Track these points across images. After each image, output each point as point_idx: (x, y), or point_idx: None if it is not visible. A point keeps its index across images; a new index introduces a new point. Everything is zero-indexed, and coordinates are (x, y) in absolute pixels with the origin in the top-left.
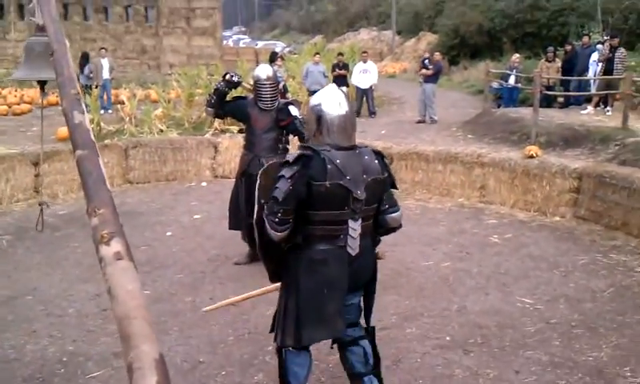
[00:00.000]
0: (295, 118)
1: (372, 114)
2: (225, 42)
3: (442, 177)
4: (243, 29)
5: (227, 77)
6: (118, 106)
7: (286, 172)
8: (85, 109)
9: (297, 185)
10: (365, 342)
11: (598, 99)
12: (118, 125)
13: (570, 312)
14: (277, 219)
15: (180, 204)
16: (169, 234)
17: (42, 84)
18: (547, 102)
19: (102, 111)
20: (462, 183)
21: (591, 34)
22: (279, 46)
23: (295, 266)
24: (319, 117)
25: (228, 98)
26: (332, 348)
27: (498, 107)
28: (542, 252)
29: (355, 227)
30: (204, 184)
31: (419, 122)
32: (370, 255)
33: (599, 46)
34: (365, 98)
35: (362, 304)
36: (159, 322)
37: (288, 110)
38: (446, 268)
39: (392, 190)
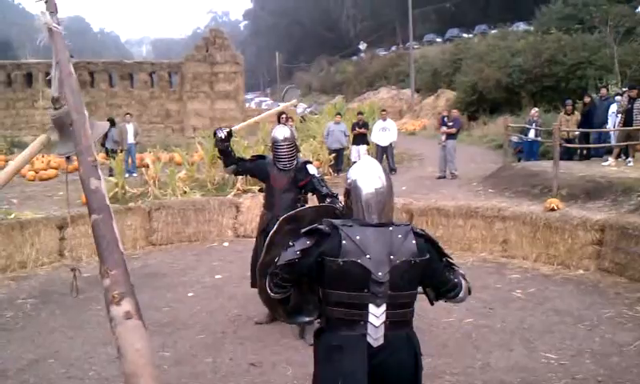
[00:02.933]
0: (313, 176)
1: (392, 170)
2: (247, 104)
3: (462, 232)
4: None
5: (216, 135)
6: (143, 169)
7: (298, 244)
8: (101, 175)
9: (303, 259)
10: None
11: (618, 150)
12: (142, 188)
13: (596, 367)
14: (274, 281)
15: (202, 264)
16: (190, 294)
17: None
18: (568, 154)
19: (127, 175)
20: (483, 238)
21: (609, 85)
22: (300, 107)
23: (317, 352)
24: (348, 190)
25: (249, 156)
26: None
27: (519, 161)
28: (566, 306)
29: (377, 314)
30: (226, 244)
31: (440, 177)
32: (403, 351)
33: (618, 98)
34: (385, 156)
35: None
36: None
37: (306, 169)
38: (469, 324)
39: (446, 264)
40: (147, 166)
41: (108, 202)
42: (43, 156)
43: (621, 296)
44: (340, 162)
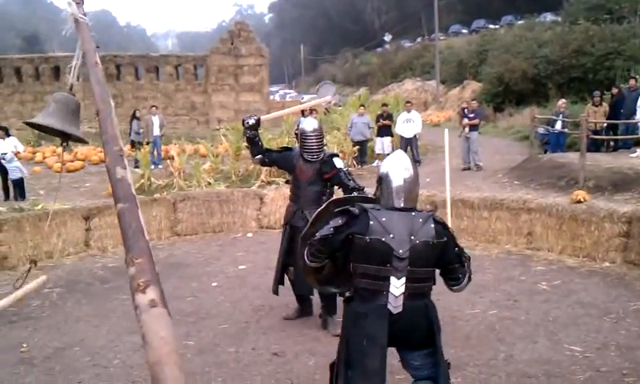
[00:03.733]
0: (340, 170)
1: (417, 162)
2: (272, 96)
3: (487, 224)
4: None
5: (244, 123)
6: (168, 161)
7: (334, 221)
8: (127, 164)
9: (335, 236)
10: None
11: None
12: (167, 179)
13: (622, 360)
14: (311, 251)
15: (226, 255)
16: (214, 284)
17: (64, 139)
18: (595, 146)
19: (153, 166)
20: (508, 230)
21: (638, 77)
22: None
23: (346, 319)
24: (380, 178)
25: (276, 147)
26: None
27: (545, 153)
28: (591, 298)
29: (397, 285)
30: (250, 235)
31: (464, 169)
32: (420, 317)
33: None
34: (409, 147)
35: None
36: (203, 372)
37: (333, 162)
38: (493, 316)
39: (458, 256)
40: (172, 158)
41: (134, 191)
42: (71, 148)
43: None
44: (364, 153)
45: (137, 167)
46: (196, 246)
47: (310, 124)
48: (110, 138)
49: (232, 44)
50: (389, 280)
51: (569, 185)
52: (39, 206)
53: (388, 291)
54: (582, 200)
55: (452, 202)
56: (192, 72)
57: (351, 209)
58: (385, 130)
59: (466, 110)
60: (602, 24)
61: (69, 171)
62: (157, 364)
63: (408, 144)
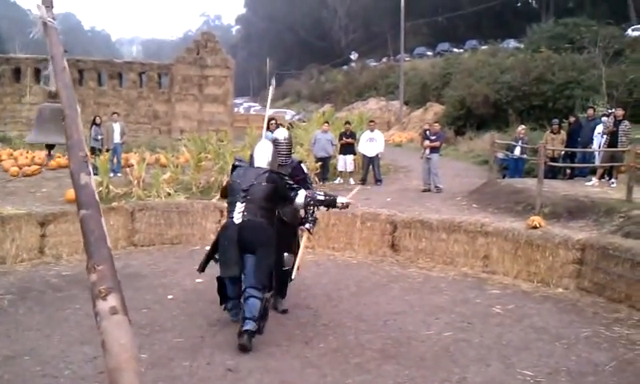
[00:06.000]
0: (307, 175)
1: (378, 181)
2: (236, 109)
3: (445, 245)
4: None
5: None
6: (128, 169)
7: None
8: (91, 171)
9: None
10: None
11: (602, 171)
12: (126, 188)
13: None
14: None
15: (183, 267)
16: (170, 297)
17: (50, 147)
18: (552, 173)
19: (112, 174)
20: (465, 252)
21: (596, 106)
22: (289, 114)
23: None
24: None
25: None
26: None
27: (504, 178)
28: (544, 323)
29: (239, 207)
30: (208, 248)
31: (424, 190)
32: (255, 227)
33: (604, 119)
34: (371, 166)
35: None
36: None
37: (301, 167)
38: (448, 338)
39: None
40: (132, 167)
41: (97, 197)
42: (28, 152)
43: (599, 316)
44: (326, 170)
45: (95, 174)
46: (153, 258)
47: (281, 133)
48: (75, 142)
49: (198, 54)
50: (235, 204)
51: (526, 210)
52: None
53: (234, 210)
54: (538, 226)
55: (411, 223)
56: (156, 80)
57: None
58: (348, 148)
59: (427, 132)
60: (563, 53)
61: (25, 176)
62: (116, 370)
63: (370, 163)
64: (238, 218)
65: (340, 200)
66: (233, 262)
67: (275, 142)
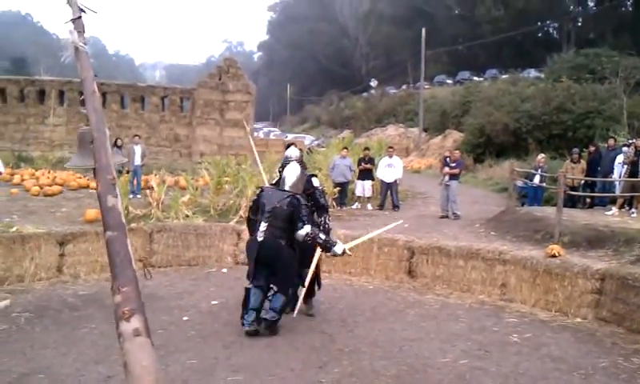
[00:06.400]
0: (316, 188)
1: (396, 207)
2: (255, 133)
3: (463, 272)
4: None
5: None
6: (147, 191)
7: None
8: (118, 193)
9: (254, 203)
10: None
11: (622, 201)
12: (145, 209)
13: None
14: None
15: (199, 289)
16: (185, 318)
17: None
18: (572, 202)
19: (131, 196)
20: (482, 280)
21: (617, 136)
22: (308, 139)
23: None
24: (280, 171)
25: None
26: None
27: (522, 205)
28: (562, 353)
29: (263, 226)
30: (224, 270)
31: (442, 217)
32: (274, 246)
33: (625, 149)
34: (389, 192)
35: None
36: None
37: (312, 181)
38: (464, 365)
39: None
40: (152, 188)
41: (124, 220)
42: (49, 172)
43: (617, 346)
44: (344, 195)
45: None
46: (170, 279)
47: (292, 152)
48: (104, 166)
49: (220, 79)
50: (260, 223)
51: (544, 239)
52: (13, 229)
53: (258, 229)
54: (557, 254)
55: (429, 249)
56: (178, 104)
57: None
58: (366, 174)
59: (448, 159)
60: (583, 83)
61: (46, 195)
62: None
63: (388, 188)
64: (260, 236)
65: (338, 249)
66: (254, 273)
67: (286, 159)
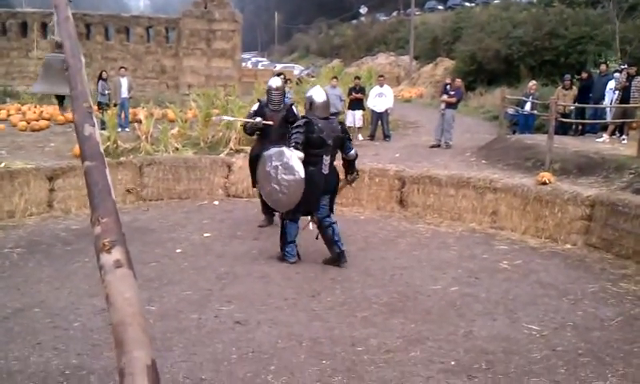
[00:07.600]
0: (297, 116)
1: (387, 137)
2: (243, 63)
3: (453, 201)
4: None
5: (246, 130)
6: (135, 124)
7: (299, 128)
8: (95, 122)
9: (302, 133)
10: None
11: (613, 127)
12: (134, 143)
13: (577, 340)
14: (293, 144)
15: (191, 222)
16: (179, 251)
17: (60, 99)
18: (563, 129)
19: (120, 129)
20: (473, 208)
21: (609, 62)
22: (297, 69)
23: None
24: (311, 102)
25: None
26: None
27: (514, 133)
28: (551, 279)
29: (326, 159)
30: (216, 203)
31: (433, 146)
32: (334, 174)
33: (616, 75)
34: (380, 122)
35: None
36: (164, 338)
37: (293, 111)
38: (454, 292)
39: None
40: (140, 122)
41: (102, 149)
42: (36, 106)
43: (606, 272)
44: None
45: (103, 129)
46: (161, 212)
47: (274, 82)
48: (80, 94)
49: (205, 8)
50: (322, 156)
51: (535, 166)
52: (2, 164)
53: (322, 162)
54: (548, 182)
55: (420, 179)
56: (163, 35)
57: (306, 119)
58: (357, 104)
59: (448, 86)
60: (576, 8)
61: (33, 130)
62: (120, 325)
63: (379, 118)
64: (325, 169)
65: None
66: (315, 204)
67: (269, 90)
